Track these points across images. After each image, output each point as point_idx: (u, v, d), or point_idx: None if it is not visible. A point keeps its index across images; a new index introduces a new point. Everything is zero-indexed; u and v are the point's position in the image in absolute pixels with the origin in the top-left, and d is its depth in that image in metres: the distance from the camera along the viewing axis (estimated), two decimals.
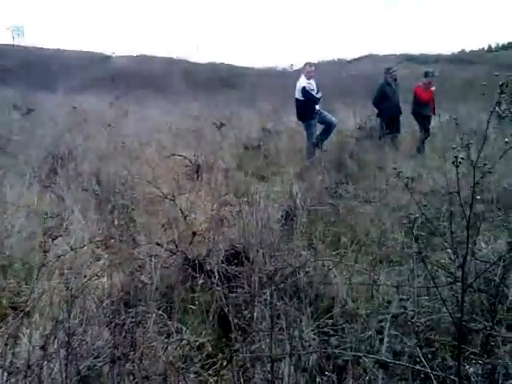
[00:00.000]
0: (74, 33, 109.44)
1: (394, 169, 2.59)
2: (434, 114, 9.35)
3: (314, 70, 8.61)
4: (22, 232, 4.08)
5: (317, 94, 8.32)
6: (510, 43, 55.82)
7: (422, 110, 9.17)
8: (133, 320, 2.52)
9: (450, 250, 3.11)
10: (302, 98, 8.25)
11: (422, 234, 2.79)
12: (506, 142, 2.48)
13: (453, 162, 2.23)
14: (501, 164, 4.33)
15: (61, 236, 2.81)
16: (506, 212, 3.74)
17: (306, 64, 8.74)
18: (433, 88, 9.14)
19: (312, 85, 8.32)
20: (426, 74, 9.34)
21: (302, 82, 8.31)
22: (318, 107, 8.39)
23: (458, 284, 2.68)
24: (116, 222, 4.21)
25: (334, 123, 8.47)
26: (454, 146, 2.18)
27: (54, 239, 2.59)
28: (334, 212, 5.10)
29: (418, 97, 9.23)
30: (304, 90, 8.19)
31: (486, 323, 2.44)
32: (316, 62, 47.02)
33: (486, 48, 57.85)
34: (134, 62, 39.88)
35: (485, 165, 2.25)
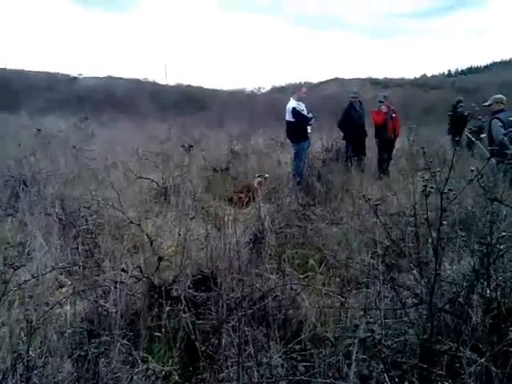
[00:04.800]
0: (40, 53, 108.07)
1: (363, 196, 2.65)
2: (395, 136, 9.48)
3: (305, 91, 8.72)
4: None
5: (307, 114, 8.33)
6: (468, 69, 58.28)
7: (380, 133, 9.35)
8: (96, 350, 2.45)
9: (415, 271, 3.16)
10: (293, 120, 8.22)
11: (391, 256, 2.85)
12: (472, 170, 2.57)
13: (422, 191, 2.30)
14: (461, 185, 4.45)
15: (23, 266, 2.71)
16: (468, 233, 3.82)
17: (297, 86, 8.84)
18: (384, 110, 9.31)
19: (301, 106, 8.34)
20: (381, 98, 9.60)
21: (292, 103, 8.30)
22: (309, 129, 8.43)
23: (424, 305, 2.72)
24: (80, 248, 4.11)
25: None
26: (420, 170, 2.27)
27: (15, 269, 2.50)
28: (302, 234, 5.12)
29: (373, 120, 9.46)
30: (294, 111, 8.17)
31: (451, 344, 2.47)
32: (283, 84, 47.96)
33: (446, 73, 60.23)
34: (101, 83, 39.59)
35: (450, 190, 2.33)
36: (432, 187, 2.23)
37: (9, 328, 2.76)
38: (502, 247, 2.56)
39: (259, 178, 7.33)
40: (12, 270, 2.53)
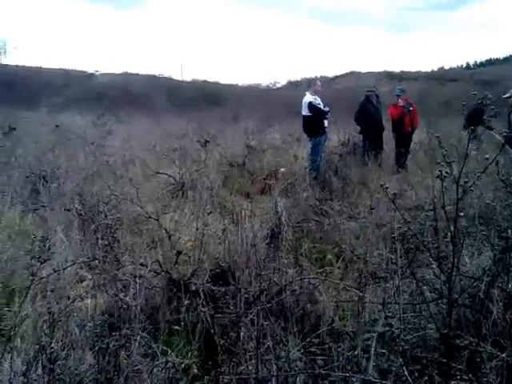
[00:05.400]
0: (57, 50, 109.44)
1: (381, 186, 2.64)
2: (413, 130, 9.39)
3: (320, 85, 8.71)
4: (3, 254, 4.01)
5: (324, 108, 8.32)
6: (487, 61, 57.34)
7: (397, 127, 9.28)
8: (117, 343, 2.48)
9: (434, 266, 3.13)
10: (310, 114, 8.21)
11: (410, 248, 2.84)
12: (486, 159, 2.53)
13: (437, 177, 2.28)
14: (481, 179, 4.40)
15: (49, 259, 2.76)
16: (488, 227, 3.78)
17: (312, 80, 8.87)
18: (400, 103, 9.22)
19: (318, 100, 8.32)
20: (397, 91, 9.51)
21: (308, 97, 8.29)
22: (326, 123, 8.40)
23: (444, 300, 2.70)
24: (100, 243, 4.15)
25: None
26: (438, 161, 2.24)
27: (42, 262, 2.55)
28: (320, 229, 5.11)
29: (390, 114, 9.38)
30: (311, 105, 8.15)
31: (471, 339, 2.45)
32: (299, 79, 47.76)
33: (464, 65, 59.39)
34: (118, 79, 39.87)
35: (466, 182, 2.30)
36: (447, 172, 2.21)
37: (32, 320, 2.82)
38: None
39: (282, 169, 7.79)
40: (39, 263, 2.57)
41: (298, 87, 37.86)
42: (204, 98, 33.68)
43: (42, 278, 3.22)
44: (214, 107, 28.23)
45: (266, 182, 7.34)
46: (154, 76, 44.33)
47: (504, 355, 2.28)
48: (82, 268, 3.98)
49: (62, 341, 2.67)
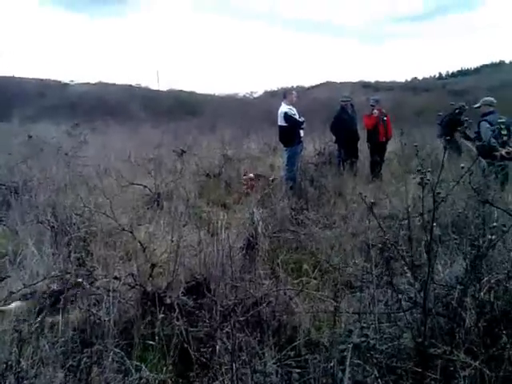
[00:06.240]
0: (31, 60, 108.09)
1: (360, 194, 2.66)
2: (387, 139, 9.51)
3: (296, 95, 8.74)
4: None
5: (299, 118, 8.35)
6: (458, 71, 58.80)
7: (371, 137, 9.39)
8: (89, 359, 2.43)
9: (409, 274, 3.16)
10: (286, 124, 8.24)
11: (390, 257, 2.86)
12: (462, 167, 2.58)
13: (419, 183, 2.32)
14: (454, 189, 4.46)
15: (9, 277, 2.69)
16: (461, 235, 3.83)
17: (288, 90, 8.91)
18: (375, 113, 9.31)
19: (293, 110, 8.35)
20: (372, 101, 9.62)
21: (284, 108, 8.31)
22: (302, 133, 8.43)
23: (418, 308, 2.72)
24: (72, 256, 4.07)
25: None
26: (418, 169, 2.28)
27: (0, 280, 2.48)
28: (296, 239, 5.11)
29: (365, 125, 9.49)
30: (286, 116, 8.17)
31: (445, 348, 2.47)
32: (276, 89, 48.07)
33: (436, 76, 60.83)
34: (93, 89, 39.50)
35: (439, 193, 2.34)
36: (428, 180, 2.24)
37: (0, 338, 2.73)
38: (493, 237, 2.56)
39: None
40: None
41: (274, 97, 38.07)
42: (181, 108, 33.57)
43: (12, 293, 3.14)
44: (190, 117, 28.16)
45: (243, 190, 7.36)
46: (131, 86, 44.10)
47: (477, 363, 2.30)
48: (53, 282, 3.89)
49: (31, 358, 2.59)
